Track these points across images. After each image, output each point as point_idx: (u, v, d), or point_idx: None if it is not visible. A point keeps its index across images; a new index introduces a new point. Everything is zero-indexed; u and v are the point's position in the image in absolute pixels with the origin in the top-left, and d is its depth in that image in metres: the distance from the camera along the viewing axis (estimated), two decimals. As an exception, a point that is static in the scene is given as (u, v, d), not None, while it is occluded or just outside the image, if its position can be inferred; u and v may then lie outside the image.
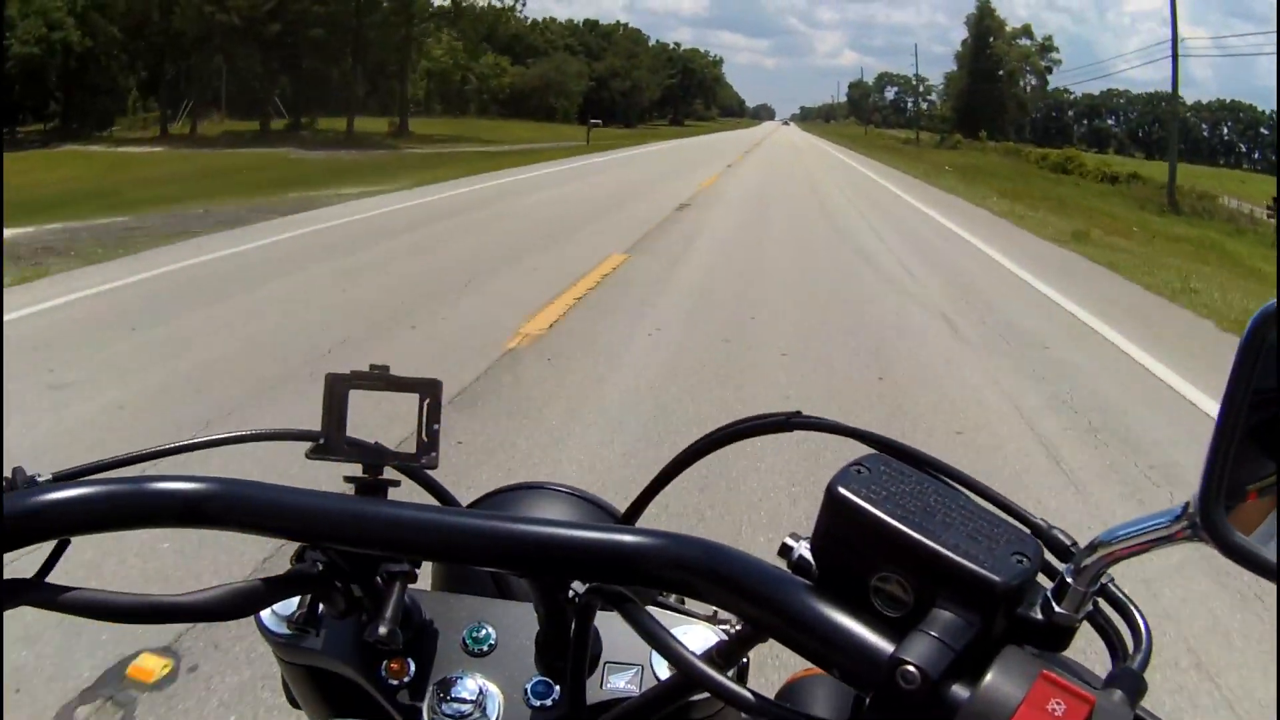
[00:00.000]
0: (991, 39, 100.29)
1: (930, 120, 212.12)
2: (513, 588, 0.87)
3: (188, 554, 3.32)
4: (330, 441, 0.75)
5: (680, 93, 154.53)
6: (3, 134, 30.89)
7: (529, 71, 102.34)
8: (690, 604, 0.86)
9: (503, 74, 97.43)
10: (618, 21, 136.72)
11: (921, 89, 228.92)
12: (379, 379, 0.75)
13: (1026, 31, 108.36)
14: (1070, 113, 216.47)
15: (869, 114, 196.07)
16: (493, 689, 0.74)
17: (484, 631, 0.77)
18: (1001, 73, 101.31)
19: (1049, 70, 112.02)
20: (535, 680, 0.74)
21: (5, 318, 6.87)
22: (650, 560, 0.60)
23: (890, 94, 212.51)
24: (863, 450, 0.65)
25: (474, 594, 0.83)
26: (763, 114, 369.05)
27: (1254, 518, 0.53)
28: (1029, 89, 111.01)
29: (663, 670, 0.75)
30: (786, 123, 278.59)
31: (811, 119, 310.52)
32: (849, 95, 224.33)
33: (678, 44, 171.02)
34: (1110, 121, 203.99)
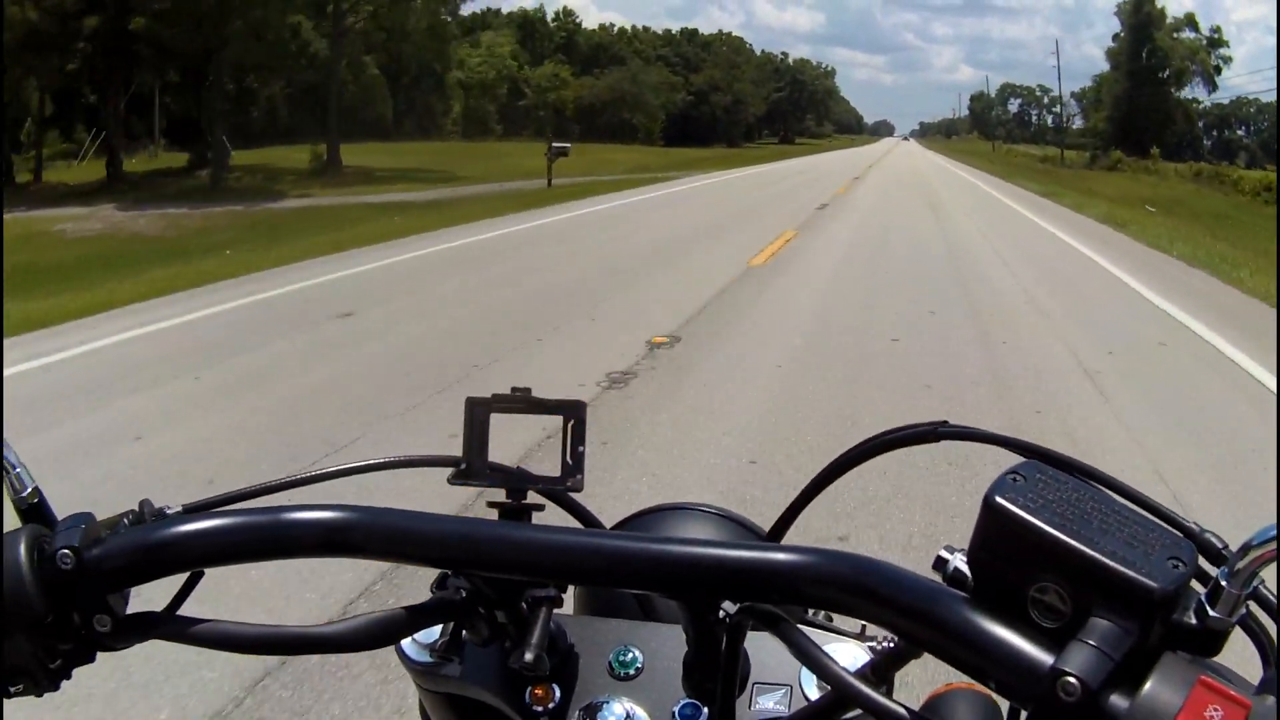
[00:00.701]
0: (1153, 32, 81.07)
1: (1060, 133, 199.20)
2: (658, 610, 0.87)
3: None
4: (472, 466, 0.74)
5: (789, 108, 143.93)
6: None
7: (597, 83, 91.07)
8: (838, 620, 0.85)
9: (562, 85, 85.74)
10: (719, 30, 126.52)
11: (1047, 100, 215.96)
12: (521, 401, 0.73)
13: (1190, 22, 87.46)
14: (1201, 124, 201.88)
15: (993, 128, 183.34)
16: (640, 713, 0.74)
17: (630, 655, 0.77)
18: (1166, 73, 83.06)
19: (1218, 70, 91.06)
20: (683, 703, 0.73)
21: None
22: (802, 577, 0.59)
23: (1014, 106, 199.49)
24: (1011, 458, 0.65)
25: (619, 617, 0.84)
26: (881, 130, 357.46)
27: None
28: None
29: (811, 689, 0.74)
30: (906, 138, 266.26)
31: (930, 134, 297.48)
32: (970, 109, 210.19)
33: (785, 53, 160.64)
34: (1240, 132, 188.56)
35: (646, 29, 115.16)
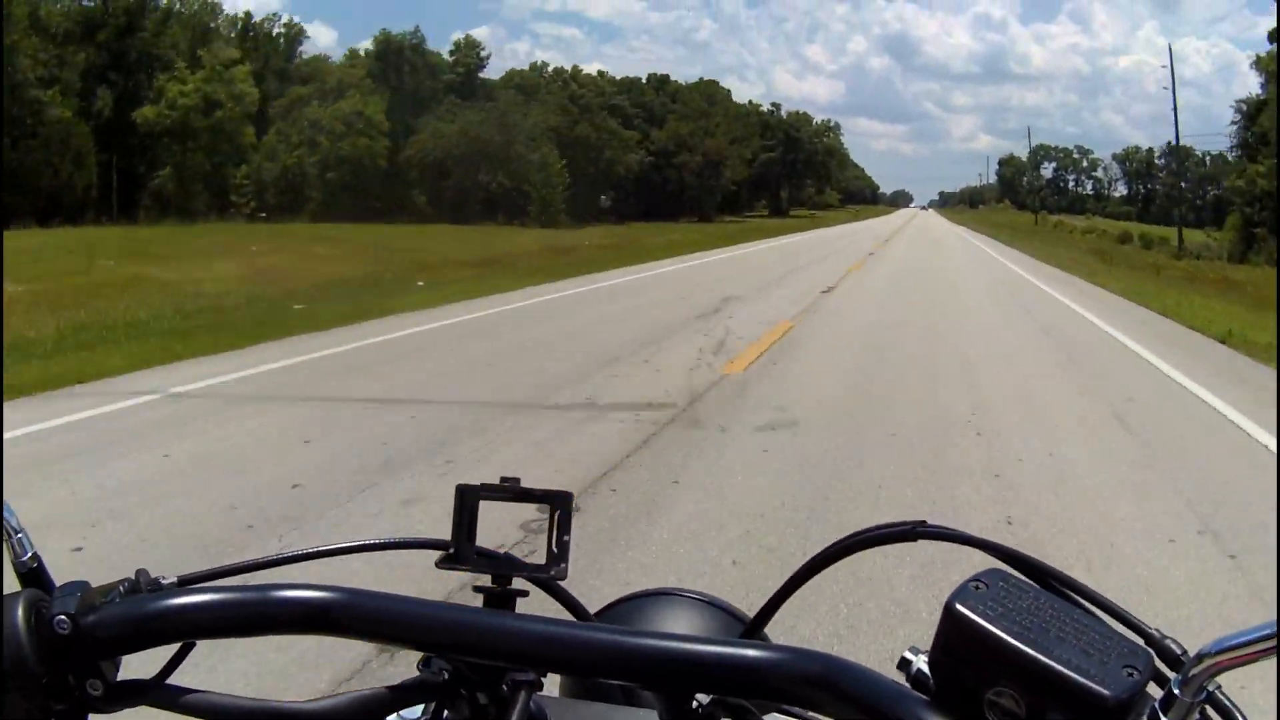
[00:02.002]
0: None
1: (1101, 202, 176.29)
2: (639, 696, 0.90)
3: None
4: (460, 551, 0.76)
5: (784, 171, 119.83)
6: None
7: (446, 128, 60.73)
8: (813, 715, 0.86)
9: (348, 135, 54.87)
10: (701, 79, 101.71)
11: (1086, 163, 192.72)
12: (510, 490, 0.75)
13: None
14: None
15: (1025, 195, 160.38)
16: None
17: None
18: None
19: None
20: None
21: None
22: (771, 674, 0.61)
23: (1048, 170, 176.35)
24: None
25: (600, 701, 0.87)
26: (900, 200, 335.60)
27: None
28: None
29: None
30: (924, 208, 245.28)
31: (952, 204, 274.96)
32: (999, 174, 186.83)
33: (776, 104, 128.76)
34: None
35: (603, 73, 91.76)
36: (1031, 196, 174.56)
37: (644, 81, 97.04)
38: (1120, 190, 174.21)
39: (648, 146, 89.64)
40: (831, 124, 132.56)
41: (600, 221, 67.75)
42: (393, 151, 57.80)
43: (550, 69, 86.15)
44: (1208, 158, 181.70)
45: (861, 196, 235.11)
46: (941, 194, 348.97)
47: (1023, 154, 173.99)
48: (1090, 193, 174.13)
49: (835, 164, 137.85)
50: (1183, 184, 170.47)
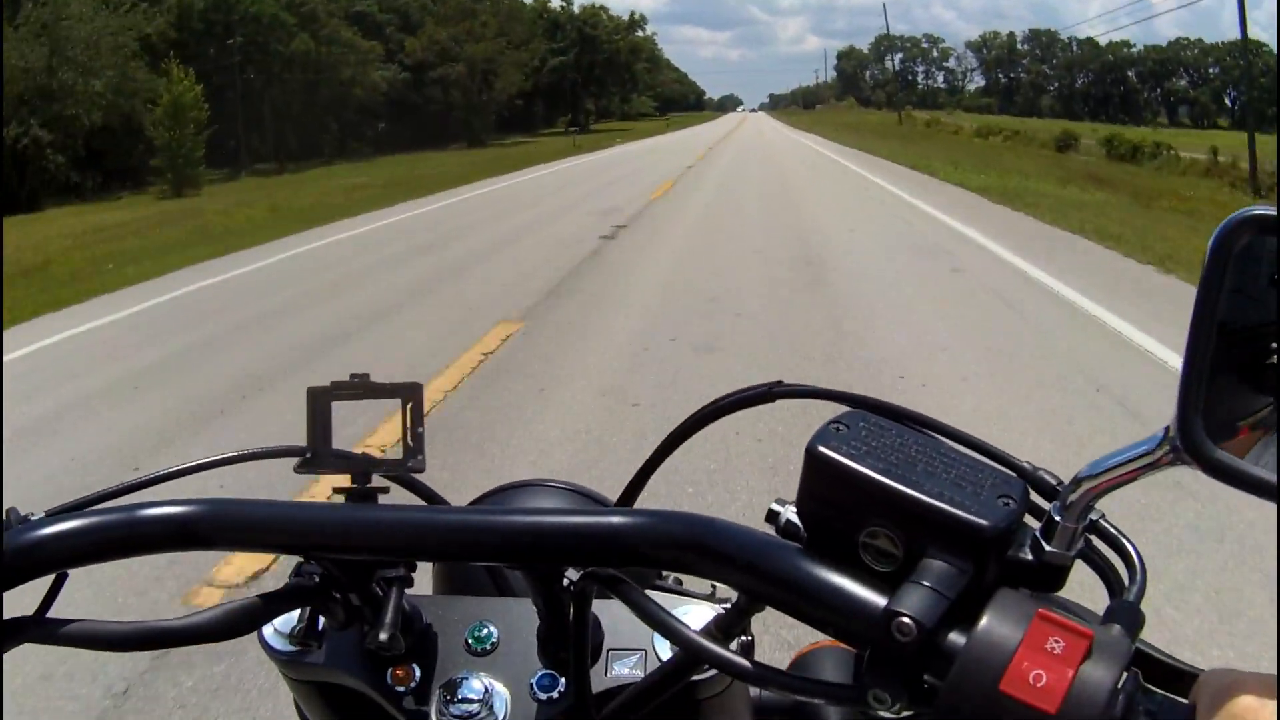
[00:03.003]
0: None
1: (956, 95, 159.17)
2: (512, 584, 0.89)
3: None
4: (317, 455, 0.75)
5: (582, 78, 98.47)
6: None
7: None
8: (689, 584, 0.85)
9: None
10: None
11: (936, 53, 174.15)
12: (360, 387, 0.74)
13: None
14: (1132, 73, 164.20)
15: (871, 91, 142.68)
16: (499, 687, 0.75)
17: (485, 630, 0.78)
18: None
19: None
20: (540, 674, 0.75)
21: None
22: (639, 539, 0.60)
23: (895, 62, 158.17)
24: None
25: (474, 594, 0.86)
26: (728, 105, 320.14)
27: (1245, 448, 0.52)
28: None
29: (665, 652, 0.75)
30: (754, 110, 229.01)
31: (784, 105, 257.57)
32: (838, 69, 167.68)
33: (566, 1, 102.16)
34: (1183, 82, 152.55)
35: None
36: (877, 91, 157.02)
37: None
38: (977, 81, 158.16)
39: (402, 60, 68.90)
40: (636, 16, 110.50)
41: (338, 159, 53.01)
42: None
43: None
44: (1074, 42, 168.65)
45: (685, 103, 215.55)
46: (772, 96, 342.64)
47: (878, 37, 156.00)
48: (943, 85, 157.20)
49: (644, 66, 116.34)
50: (1046, 68, 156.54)
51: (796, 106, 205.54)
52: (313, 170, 44.23)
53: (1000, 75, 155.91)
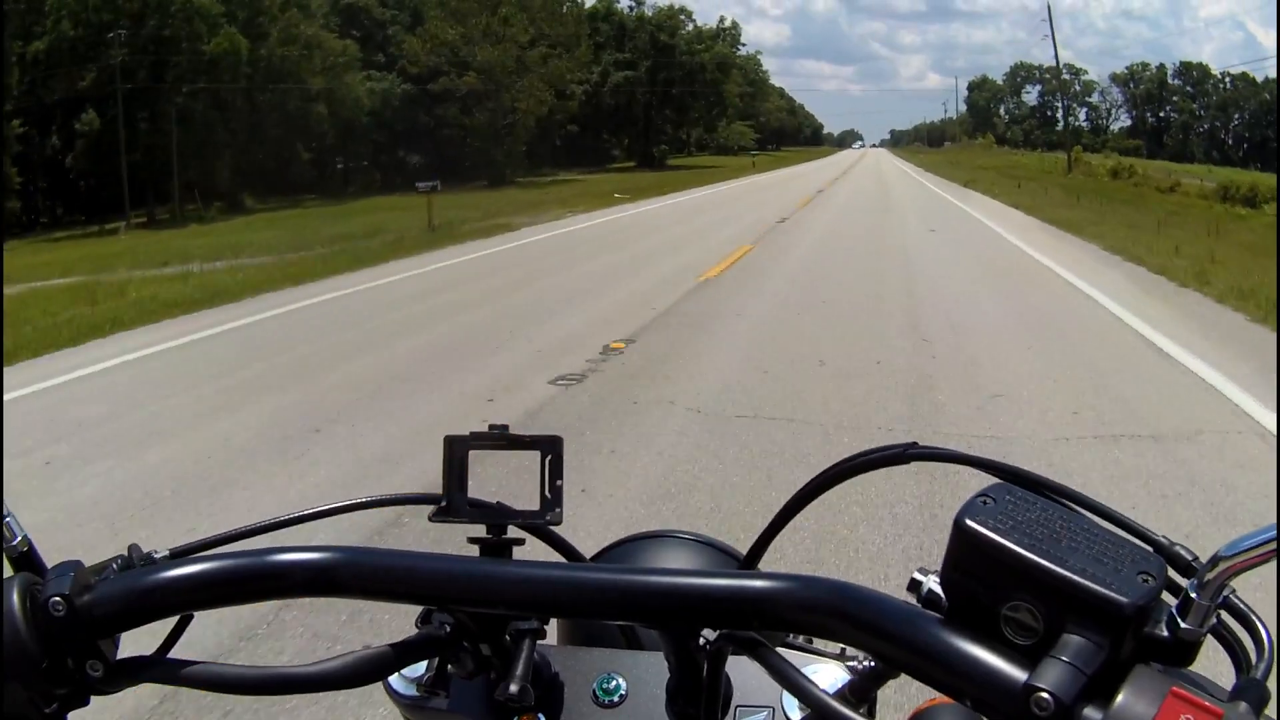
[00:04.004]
0: None
1: (1098, 134, 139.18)
2: (641, 638, 0.89)
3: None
4: (453, 504, 0.76)
5: (653, 98, 76.60)
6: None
7: None
8: (817, 642, 0.85)
9: None
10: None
11: (1078, 86, 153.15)
12: (499, 438, 0.75)
13: None
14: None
15: (1007, 129, 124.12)
16: None
17: (614, 683, 0.79)
18: None
19: None
20: None
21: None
22: (780, 604, 0.61)
23: (1032, 96, 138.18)
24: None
25: (602, 646, 0.86)
26: (848, 141, 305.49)
27: None
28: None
29: (793, 711, 0.76)
30: (874, 146, 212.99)
31: (905, 143, 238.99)
32: (969, 101, 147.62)
33: (637, 1, 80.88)
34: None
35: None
36: (1013, 128, 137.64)
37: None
38: (1123, 120, 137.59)
39: (405, 68, 53.23)
40: (727, 24, 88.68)
41: (306, 196, 43.58)
42: None
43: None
44: (1227, 78, 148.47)
45: (798, 136, 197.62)
46: (893, 132, 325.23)
47: (1014, 65, 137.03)
48: (1084, 123, 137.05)
49: (740, 88, 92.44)
50: (1197, 107, 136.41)
51: (920, 143, 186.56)
52: (221, 223, 34.01)
53: (1149, 113, 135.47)
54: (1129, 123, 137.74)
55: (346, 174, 52.48)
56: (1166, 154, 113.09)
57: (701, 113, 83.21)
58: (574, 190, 37.57)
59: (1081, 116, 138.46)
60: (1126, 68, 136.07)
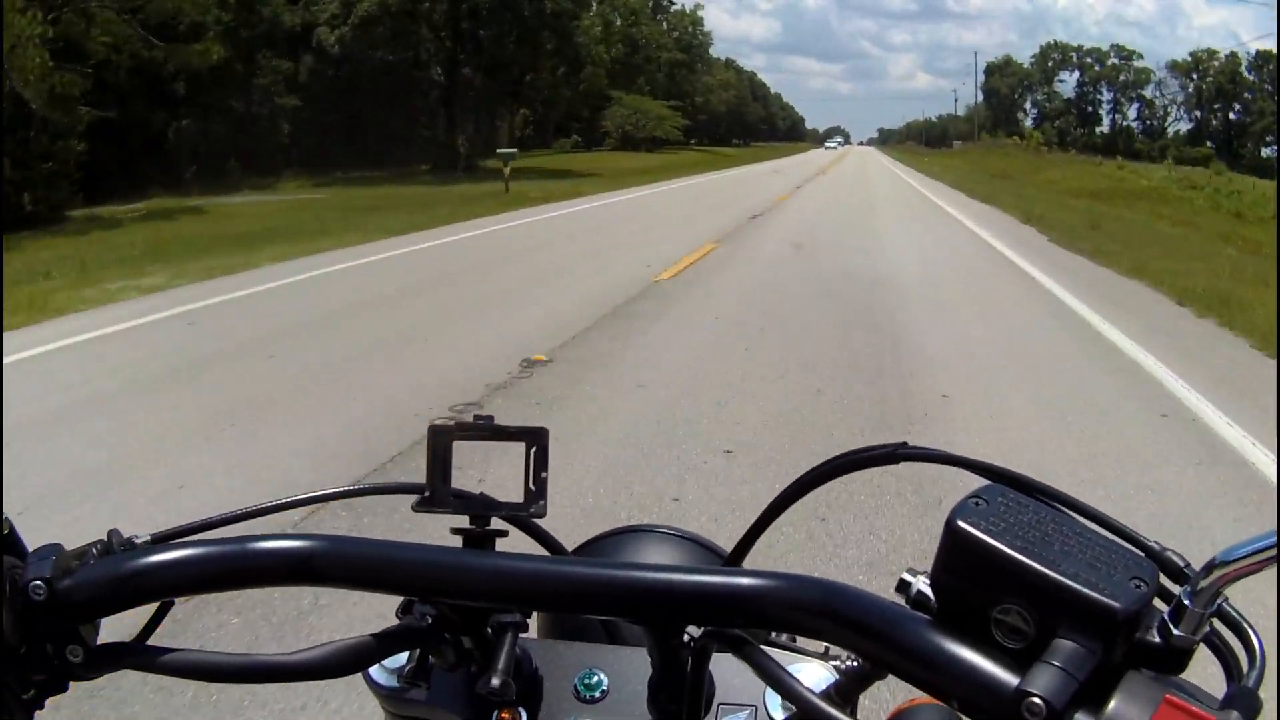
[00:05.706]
0: None
1: (1153, 138, 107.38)
2: (623, 633, 0.89)
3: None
4: (436, 494, 0.74)
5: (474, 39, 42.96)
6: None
7: None
8: (802, 640, 0.84)
9: None
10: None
11: (1129, 75, 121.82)
12: (484, 429, 0.74)
13: None
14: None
15: (1051, 128, 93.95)
16: None
17: (596, 678, 0.78)
18: None
19: None
20: None
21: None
22: (767, 602, 0.60)
23: (1069, 84, 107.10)
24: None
25: (584, 640, 0.86)
26: (832, 136, 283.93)
27: None
28: None
29: (776, 710, 0.75)
30: (861, 144, 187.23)
31: (895, 141, 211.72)
32: (985, 88, 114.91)
33: None
34: None
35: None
36: (1045, 125, 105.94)
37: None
38: (1182, 121, 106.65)
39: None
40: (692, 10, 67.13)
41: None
42: None
43: None
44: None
45: (773, 131, 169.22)
46: (881, 131, 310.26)
47: (1045, 45, 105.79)
48: (1135, 121, 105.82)
49: (589, 23, 50.28)
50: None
51: (914, 143, 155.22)
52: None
53: (1217, 112, 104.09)
54: (1189, 124, 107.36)
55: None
56: (1244, 166, 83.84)
57: (533, 66, 46.07)
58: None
59: (1131, 114, 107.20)
60: (1189, 54, 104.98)
